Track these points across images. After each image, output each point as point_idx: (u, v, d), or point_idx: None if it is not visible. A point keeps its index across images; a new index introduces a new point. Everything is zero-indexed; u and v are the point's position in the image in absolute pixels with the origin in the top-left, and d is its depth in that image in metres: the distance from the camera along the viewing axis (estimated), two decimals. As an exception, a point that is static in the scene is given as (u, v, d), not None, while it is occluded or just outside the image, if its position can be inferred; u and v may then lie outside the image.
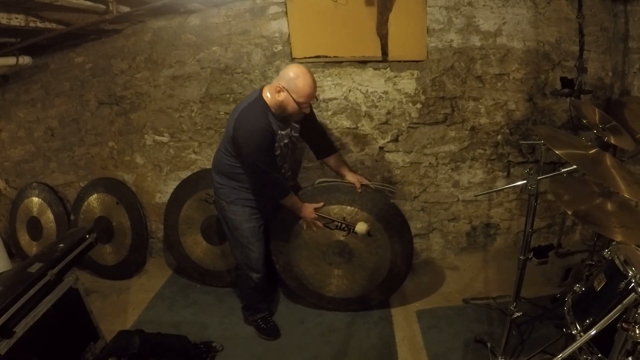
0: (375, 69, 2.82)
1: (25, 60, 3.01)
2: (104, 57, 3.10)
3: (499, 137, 2.94)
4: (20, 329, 1.76)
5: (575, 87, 2.48)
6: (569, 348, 1.42)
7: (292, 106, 2.08)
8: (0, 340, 1.67)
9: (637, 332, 1.30)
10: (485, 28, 2.72)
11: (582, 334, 1.52)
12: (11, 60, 2.90)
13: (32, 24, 2.39)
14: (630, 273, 1.43)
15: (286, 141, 2.27)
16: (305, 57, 2.78)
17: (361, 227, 2.40)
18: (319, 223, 2.46)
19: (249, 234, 2.37)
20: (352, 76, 2.84)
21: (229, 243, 2.62)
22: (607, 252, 1.63)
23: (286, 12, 2.74)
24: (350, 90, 2.87)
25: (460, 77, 2.81)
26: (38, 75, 3.28)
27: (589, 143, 1.82)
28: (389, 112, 2.90)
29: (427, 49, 2.76)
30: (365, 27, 2.70)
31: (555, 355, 1.43)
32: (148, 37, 2.98)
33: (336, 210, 2.48)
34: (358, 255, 2.55)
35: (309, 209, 2.40)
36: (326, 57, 2.79)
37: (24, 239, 3.58)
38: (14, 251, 3.63)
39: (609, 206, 1.81)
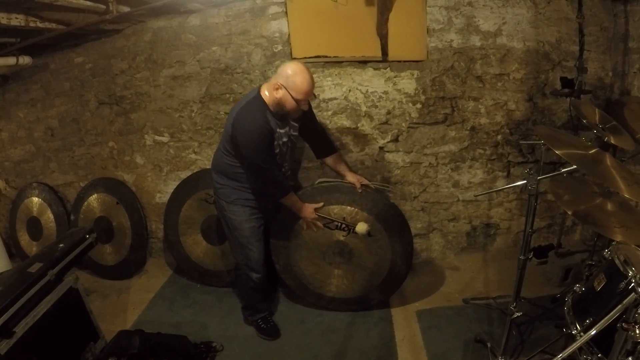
0: (375, 69, 2.82)
1: (25, 60, 3.00)
2: (104, 57, 3.10)
3: (499, 137, 2.94)
4: (20, 329, 1.76)
5: (575, 87, 2.49)
6: (569, 348, 1.42)
7: (290, 103, 2.08)
8: (0, 340, 1.67)
9: (637, 332, 1.30)
10: (485, 28, 2.72)
11: (582, 334, 1.52)
12: (11, 60, 2.90)
13: (32, 24, 2.39)
14: (630, 273, 1.43)
15: (285, 140, 2.27)
16: (305, 57, 2.78)
17: (361, 227, 2.40)
18: (319, 223, 2.45)
19: (249, 234, 2.37)
20: (352, 76, 2.84)
21: (229, 243, 2.62)
22: (607, 252, 1.63)
23: (286, 12, 2.74)
24: (350, 90, 2.87)
25: (460, 77, 2.81)
26: (38, 75, 3.28)
27: (589, 143, 1.82)
28: (389, 112, 2.90)
29: (427, 49, 2.76)
30: (365, 27, 2.70)
31: (555, 355, 1.43)
32: (148, 37, 2.98)
33: (336, 210, 2.48)
34: (358, 255, 2.55)
35: (309, 209, 2.40)
36: (326, 57, 2.80)
37: (24, 239, 3.58)
38: (14, 251, 3.63)
39: (609, 206, 1.81)
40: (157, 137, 3.21)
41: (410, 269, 2.69)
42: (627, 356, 1.37)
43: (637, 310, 1.32)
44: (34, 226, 3.53)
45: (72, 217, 3.43)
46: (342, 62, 2.81)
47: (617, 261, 1.52)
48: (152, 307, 2.91)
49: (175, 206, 3.08)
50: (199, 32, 2.89)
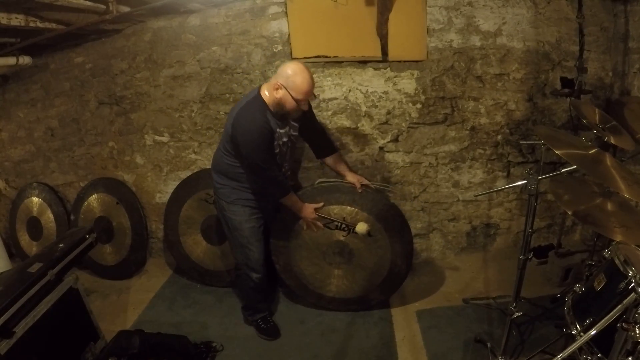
0: (375, 69, 2.82)
1: (25, 60, 3.01)
2: (104, 57, 3.10)
3: (499, 137, 2.94)
4: (20, 329, 1.76)
5: (575, 87, 2.49)
6: (569, 348, 1.42)
7: (290, 103, 2.08)
8: (0, 340, 1.67)
9: (637, 332, 1.30)
10: (485, 28, 2.72)
11: (582, 334, 1.52)
12: (11, 60, 2.90)
13: (32, 24, 2.39)
14: (630, 273, 1.43)
15: (285, 140, 2.27)
16: (305, 57, 2.78)
17: (362, 227, 2.40)
18: (319, 223, 2.45)
19: (249, 234, 2.37)
20: (352, 76, 2.84)
21: (229, 243, 2.62)
22: (607, 252, 1.63)
23: (286, 12, 2.74)
24: (350, 90, 2.87)
25: (460, 77, 2.81)
26: (38, 75, 3.28)
27: (589, 143, 1.82)
28: (389, 112, 2.90)
29: (427, 49, 2.76)
30: (365, 27, 2.70)
31: (555, 355, 1.43)
32: (148, 37, 2.98)
33: (336, 210, 2.48)
34: (358, 255, 2.55)
35: (309, 209, 2.40)
36: (326, 57, 2.80)
37: (24, 239, 3.58)
38: (14, 251, 3.63)
39: (609, 206, 1.81)
40: (157, 137, 3.21)
41: (410, 269, 2.69)
42: (627, 356, 1.37)
43: (637, 310, 1.32)
44: (34, 226, 3.53)
45: (72, 217, 3.43)
46: (342, 62, 2.81)
47: (617, 261, 1.52)
48: (152, 307, 2.91)
49: (175, 206, 3.08)
50: (199, 32, 2.89)
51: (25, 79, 3.32)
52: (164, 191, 3.31)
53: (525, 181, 1.82)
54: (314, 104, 2.72)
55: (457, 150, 2.97)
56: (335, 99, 2.89)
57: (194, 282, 3.14)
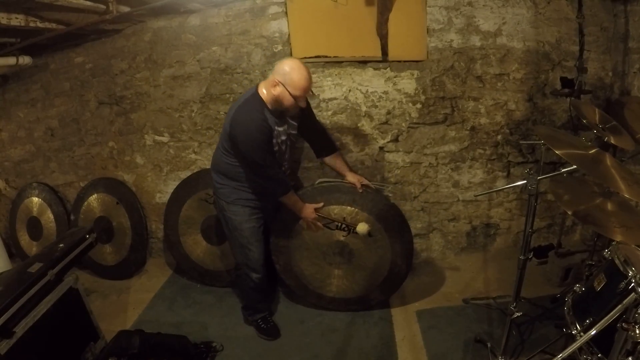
0: (375, 69, 2.82)
1: (25, 60, 3.01)
2: (104, 57, 3.10)
3: (499, 137, 2.94)
4: (20, 329, 1.76)
5: (575, 87, 2.49)
6: (569, 348, 1.42)
7: (288, 100, 2.07)
8: (0, 340, 1.67)
9: (637, 332, 1.30)
10: (485, 28, 2.72)
11: (582, 334, 1.52)
12: (11, 60, 2.91)
13: (32, 24, 2.39)
14: (630, 273, 1.43)
15: (284, 138, 2.27)
16: (306, 57, 2.78)
17: (362, 227, 2.40)
18: (319, 223, 2.45)
19: (249, 234, 2.37)
20: (352, 76, 2.84)
21: (229, 243, 2.62)
22: (607, 252, 1.63)
23: (286, 12, 2.74)
24: (350, 90, 2.87)
25: (460, 77, 2.81)
26: (38, 75, 3.28)
27: (589, 143, 1.82)
28: (389, 112, 2.90)
29: (427, 49, 2.76)
30: (365, 27, 2.70)
31: (555, 355, 1.43)
32: (148, 37, 2.98)
33: (336, 210, 2.48)
34: (358, 255, 2.55)
35: (309, 209, 2.40)
36: (326, 57, 2.80)
37: (24, 239, 3.58)
38: (14, 251, 3.63)
39: (609, 206, 1.81)
40: (157, 137, 3.21)
41: (411, 269, 2.69)
42: (627, 356, 1.37)
43: (637, 310, 1.32)
44: (34, 226, 3.53)
45: (72, 217, 3.43)
46: (342, 62, 2.81)
47: (617, 261, 1.52)
48: (152, 307, 2.91)
49: (175, 206, 3.08)
50: (199, 32, 2.89)
51: (25, 79, 3.32)
52: (164, 191, 3.31)
53: (525, 181, 1.82)
54: (314, 103, 2.72)
55: (457, 150, 2.97)
56: (335, 99, 2.89)
57: (194, 282, 3.14)
